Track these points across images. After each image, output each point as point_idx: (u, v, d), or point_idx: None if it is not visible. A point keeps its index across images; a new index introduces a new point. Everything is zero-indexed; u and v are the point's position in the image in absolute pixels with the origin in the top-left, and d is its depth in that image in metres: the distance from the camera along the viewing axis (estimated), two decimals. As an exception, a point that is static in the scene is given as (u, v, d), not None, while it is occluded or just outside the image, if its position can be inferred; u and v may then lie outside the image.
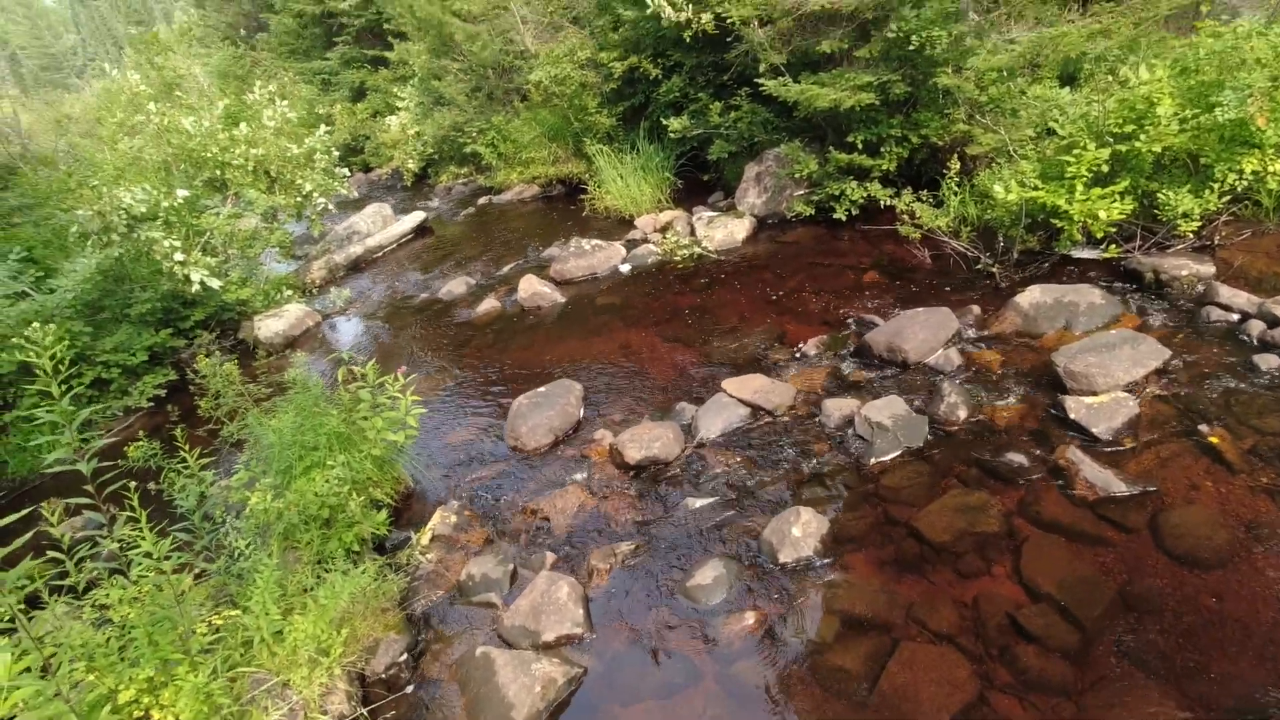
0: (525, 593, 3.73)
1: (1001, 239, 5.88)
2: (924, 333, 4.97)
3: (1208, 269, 5.06)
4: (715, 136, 8.40)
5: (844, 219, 7.14)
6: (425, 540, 4.30)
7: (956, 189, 6.29)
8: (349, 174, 10.76)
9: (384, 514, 4.27)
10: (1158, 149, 4.99)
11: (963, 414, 4.33)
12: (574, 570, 3.95)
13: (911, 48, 5.91)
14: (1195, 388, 4.15)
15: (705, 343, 6.00)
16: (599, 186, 9.90)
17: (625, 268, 7.89)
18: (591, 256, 8.02)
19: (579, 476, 4.72)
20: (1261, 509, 3.34)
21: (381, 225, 11.17)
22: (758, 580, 3.62)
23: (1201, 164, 5.10)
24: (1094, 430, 3.94)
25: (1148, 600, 3.08)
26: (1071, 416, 4.05)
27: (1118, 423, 3.94)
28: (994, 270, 5.78)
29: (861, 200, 6.97)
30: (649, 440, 4.65)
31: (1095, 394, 4.12)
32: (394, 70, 15.95)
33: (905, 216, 6.32)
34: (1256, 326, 4.45)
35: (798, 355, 5.46)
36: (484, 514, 4.59)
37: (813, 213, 7.51)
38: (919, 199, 6.36)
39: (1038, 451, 3.98)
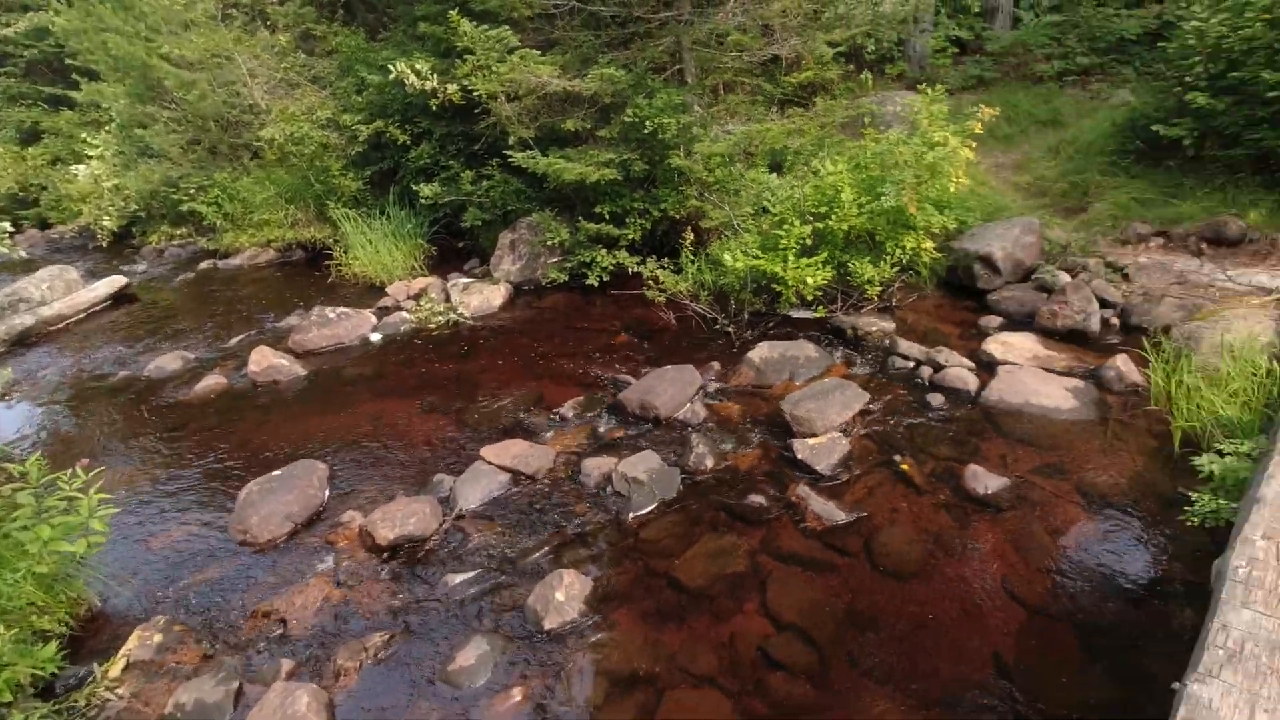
0: (254, 711, 3.15)
1: (734, 302, 6.55)
2: (672, 389, 5.29)
3: (890, 325, 6.09)
4: (469, 204, 8.40)
5: (596, 285, 7.47)
6: (116, 670, 3.49)
7: (693, 258, 6.92)
8: (10, 230, 8.91)
9: (53, 647, 3.39)
10: (845, 227, 5.97)
11: (710, 463, 4.65)
12: (318, 675, 3.45)
13: (646, 132, 6.49)
14: (889, 424, 4.91)
15: (463, 410, 5.80)
16: (346, 252, 9.31)
17: (376, 336, 7.42)
18: (338, 325, 7.43)
19: (323, 566, 4.21)
20: (942, 521, 3.99)
21: (63, 291, 9.34)
22: (524, 652, 3.46)
23: (877, 240, 6.19)
24: (817, 467, 4.45)
25: (868, 615, 3.47)
26: (799, 457, 4.54)
27: (834, 459, 4.50)
28: (730, 330, 6.40)
29: (611, 267, 7.37)
30: (403, 517, 4.30)
31: (816, 435, 4.68)
32: (82, 113, 13.74)
33: (651, 282, 6.79)
34: (926, 371, 5.42)
35: (556, 418, 5.49)
36: (201, 626, 3.86)
37: (566, 279, 7.76)
38: (662, 266, 6.88)
39: (774, 491, 4.38)
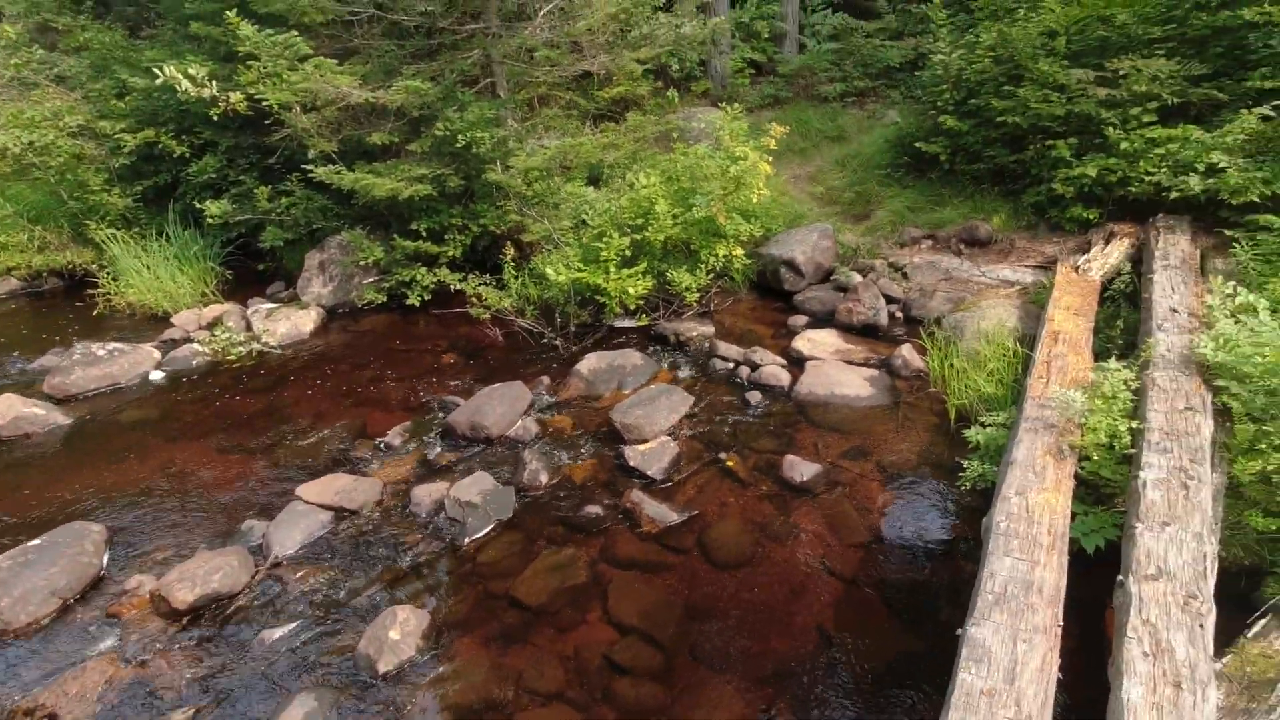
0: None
1: (560, 315, 6.57)
2: (502, 407, 5.20)
3: (709, 329, 6.42)
4: (267, 223, 7.70)
5: (418, 304, 7.16)
6: None
7: (516, 273, 6.86)
8: None
9: None
10: (662, 238, 6.21)
11: (545, 478, 4.62)
12: (100, 775, 2.98)
13: (460, 146, 6.34)
14: (713, 424, 5.17)
15: (275, 448, 5.30)
16: (116, 279, 8.15)
17: (160, 374, 6.57)
18: (110, 364, 6.48)
19: (106, 644, 3.65)
20: (765, 511, 4.27)
21: None
22: (358, 701, 3.21)
23: (692, 249, 6.51)
24: (649, 472, 4.58)
25: (705, 608, 3.62)
26: (631, 463, 4.64)
27: (665, 462, 4.65)
28: (557, 343, 6.41)
29: (433, 285, 7.10)
30: (206, 574, 3.84)
31: (646, 441, 4.82)
32: None
33: (474, 299, 6.63)
34: (745, 371, 5.77)
35: (382, 446, 5.19)
36: (-63, 742, 3.19)
37: (385, 300, 7.36)
38: (486, 283, 6.74)
39: (610, 500, 4.44)
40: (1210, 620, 2.51)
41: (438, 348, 6.74)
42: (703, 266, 6.33)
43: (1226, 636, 2.95)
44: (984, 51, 7.04)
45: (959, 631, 2.65)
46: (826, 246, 7.07)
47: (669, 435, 4.94)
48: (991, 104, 6.88)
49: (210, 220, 7.51)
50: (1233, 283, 4.63)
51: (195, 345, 6.94)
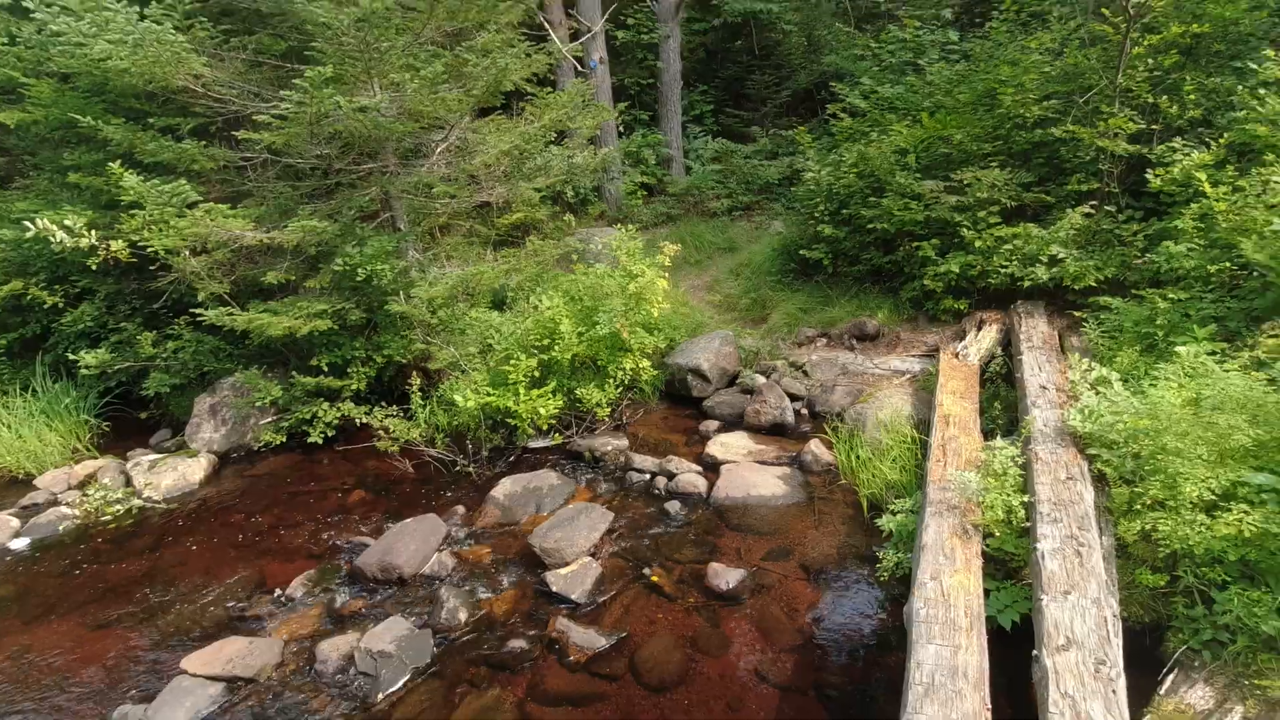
0: None
1: (471, 441, 6.44)
2: (415, 543, 4.95)
3: (624, 443, 6.44)
4: (152, 369, 7.30)
5: (320, 442, 6.85)
6: None
7: (424, 401, 6.73)
8: None
9: None
10: (569, 356, 6.31)
11: (464, 616, 4.36)
12: None
13: (360, 279, 6.34)
14: (635, 538, 5.09)
15: (156, 617, 4.78)
16: (-29, 443, 7.41)
17: (21, 543, 5.90)
18: (-41, 539, 5.78)
19: None
20: (695, 624, 4.17)
21: None
22: None
23: (600, 365, 6.62)
24: (573, 596, 4.41)
25: (642, 739, 3.43)
26: (554, 589, 4.47)
27: (588, 584, 4.50)
28: (471, 470, 6.24)
29: (337, 421, 6.84)
30: (67, 780, 3.33)
31: (567, 564, 4.67)
32: None
33: (382, 432, 6.43)
34: (662, 481, 5.78)
35: (283, 600, 4.79)
36: None
37: (284, 440, 7.01)
38: (393, 414, 6.57)
39: (534, 631, 4.23)
40: (1121, 684, 2.60)
41: (344, 486, 6.42)
42: (611, 381, 6.43)
43: (1143, 695, 3.06)
44: (848, 168, 7.82)
45: (895, 730, 2.62)
46: (729, 352, 7.36)
47: (591, 555, 4.82)
48: (861, 213, 7.58)
49: (85, 371, 7.04)
50: (1087, 359, 5.13)
51: (63, 508, 6.31)
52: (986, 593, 3.60)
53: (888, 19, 10.46)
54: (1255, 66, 5.92)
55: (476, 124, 7.57)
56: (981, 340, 6.44)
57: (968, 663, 2.80)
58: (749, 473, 5.62)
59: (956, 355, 6.28)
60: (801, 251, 8.38)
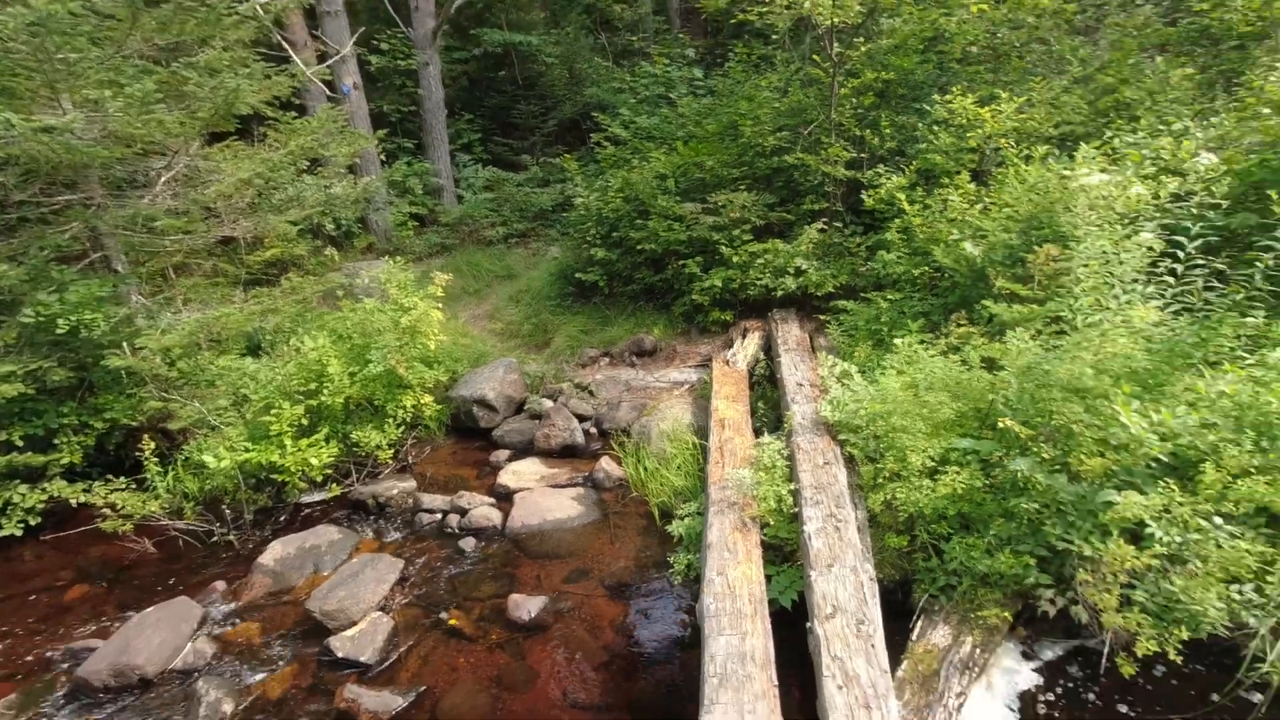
0: None
1: (230, 505, 5.68)
2: (160, 635, 4.21)
3: (410, 484, 6.07)
4: None
5: (20, 533, 5.59)
6: None
7: (164, 468, 5.80)
8: None
9: None
10: (341, 399, 5.81)
11: (229, 708, 3.78)
12: None
13: (62, 332, 5.32)
14: (430, 583, 4.80)
15: None
16: None
17: None
18: None
19: None
20: (499, 661, 4.01)
21: None
22: None
23: (377, 405, 6.19)
24: (363, 659, 4.03)
25: (450, 798, 3.20)
26: (340, 654, 4.05)
27: (380, 642, 4.14)
28: (231, 538, 5.49)
29: (42, 506, 5.63)
30: None
31: (355, 623, 4.26)
32: None
33: (108, 510, 5.41)
34: (454, 518, 5.52)
35: (-27, 740, 3.80)
36: None
37: (-32, 537, 5.62)
38: (121, 487, 5.56)
39: (319, 706, 3.79)
40: (879, 638, 2.94)
41: (59, 582, 5.29)
42: (392, 421, 6.04)
43: (902, 643, 3.48)
44: (614, 193, 8.19)
45: (696, 725, 2.71)
46: (514, 379, 7.29)
47: (381, 610, 4.45)
48: (630, 235, 7.95)
49: None
50: (833, 356, 5.81)
51: None
52: (769, 579, 3.90)
53: (641, 56, 11.21)
54: (928, 108, 7.19)
55: (208, 150, 6.76)
56: (747, 347, 7.03)
57: (754, 646, 2.99)
58: (543, 498, 5.57)
59: (727, 363, 6.79)
60: (578, 275, 8.58)
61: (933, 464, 4.00)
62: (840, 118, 7.47)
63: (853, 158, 7.39)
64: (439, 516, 5.60)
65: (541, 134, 14.43)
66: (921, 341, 5.15)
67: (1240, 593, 3.19)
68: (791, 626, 3.60)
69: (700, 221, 7.61)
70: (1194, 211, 4.47)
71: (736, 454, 4.86)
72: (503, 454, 6.55)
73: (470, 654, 4.11)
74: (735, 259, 7.35)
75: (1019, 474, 3.67)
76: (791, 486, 4.24)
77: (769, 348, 7.01)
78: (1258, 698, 3.27)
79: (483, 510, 5.48)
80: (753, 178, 8.01)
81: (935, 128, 6.97)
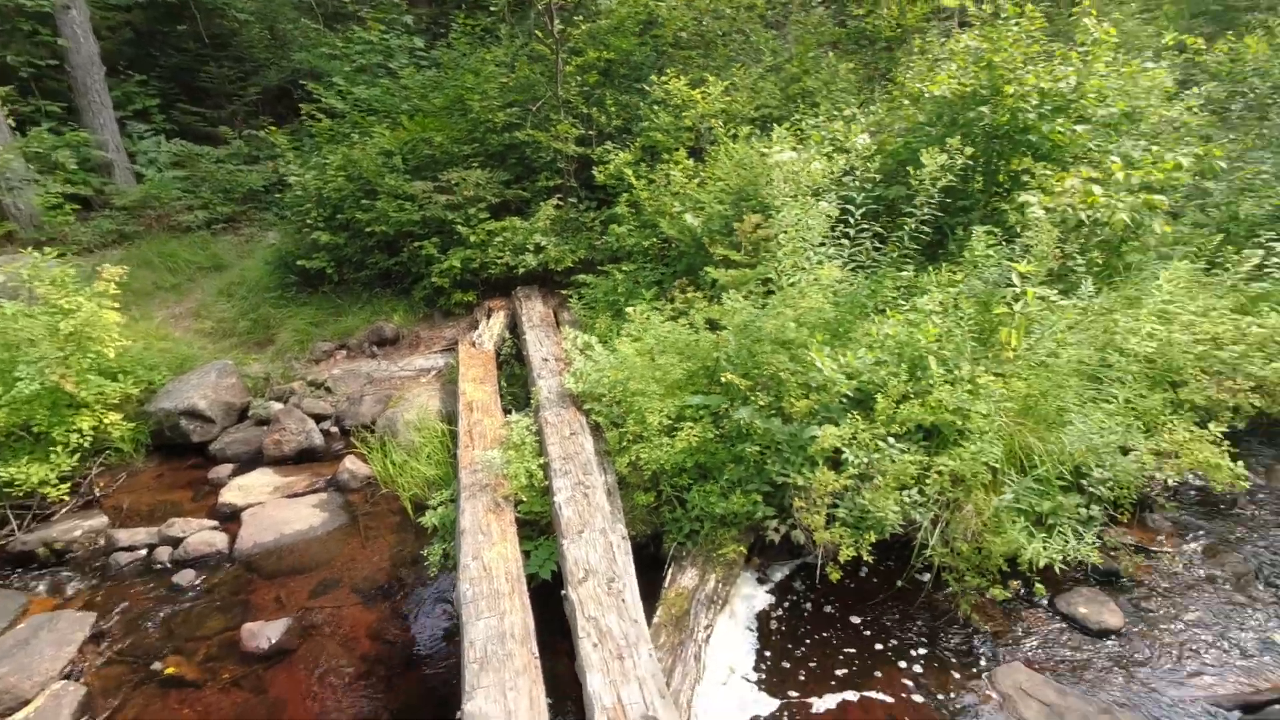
0: None
1: None
2: None
3: (100, 521, 5.06)
4: None
5: None
6: None
7: None
8: None
9: None
10: (-17, 428, 4.64)
11: None
12: None
13: None
14: (136, 632, 4.06)
15: None
16: None
17: None
18: None
19: None
20: (236, 700, 3.55)
21: None
22: None
23: (39, 432, 5.04)
24: (45, 742, 3.31)
25: None
26: (10, 745, 3.27)
27: (66, 717, 3.42)
28: None
29: None
30: None
31: (28, 702, 3.47)
32: None
33: None
34: (165, 552, 4.73)
35: None
36: None
37: None
38: None
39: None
40: (630, 593, 3.11)
41: None
42: (62, 449, 4.96)
43: (657, 592, 3.72)
44: (335, 171, 7.49)
45: (458, 715, 2.64)
46: (231, 383, 6.40)
47: (67, 678, 3.67)
48: (357, 216, 7.36)
49: None
50: (575, 329, 5.96)
51: None
52: (527, 554, 3.92)
53: (354, 20, 10.28)
54: (648, 88, 7.60)
55: None
56: (493, 327, 6.93)
57: (513, 624, 2.99)
58: (278, 510, 5.01)
59: (473, 344, 6.63)
60: (301, 262, 7.76)
61: (670, 422, 4.29)
62: (567, 95, 7.59)
63: (582, 135, 7.57)
64: (143, 553, 4.76)
65: (242, 103, 12.70)
66: (655, 309, 5.49)
67: (909, 496, 3.90)
68: (557, 597, 3.66)
69: (434, 201, 7.28)
70: (857, 184, 5.29)
71: (487, 435, 4.78)
72: (224, 469, 5.74)
73: (197, 701, 3.57)
74: (473, 238, 7.18)
75: (742, 422, 4.10)
76: (542, 461, 4.29)
77: (515, 326, 6.99)
78: (926, 576, 4.06)
79: (202, 536, 4.77)
80: (486, 154, 7.84)
81: (655, 107, 7.40)
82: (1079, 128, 5.45)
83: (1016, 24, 5.99)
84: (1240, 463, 4.18)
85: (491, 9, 8.82)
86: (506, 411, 5.35)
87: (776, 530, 4.05)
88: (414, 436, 5.43)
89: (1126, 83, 5.78)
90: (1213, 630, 3.76)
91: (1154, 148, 5.67)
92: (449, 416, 5.68)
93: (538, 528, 4.24)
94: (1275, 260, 5.99)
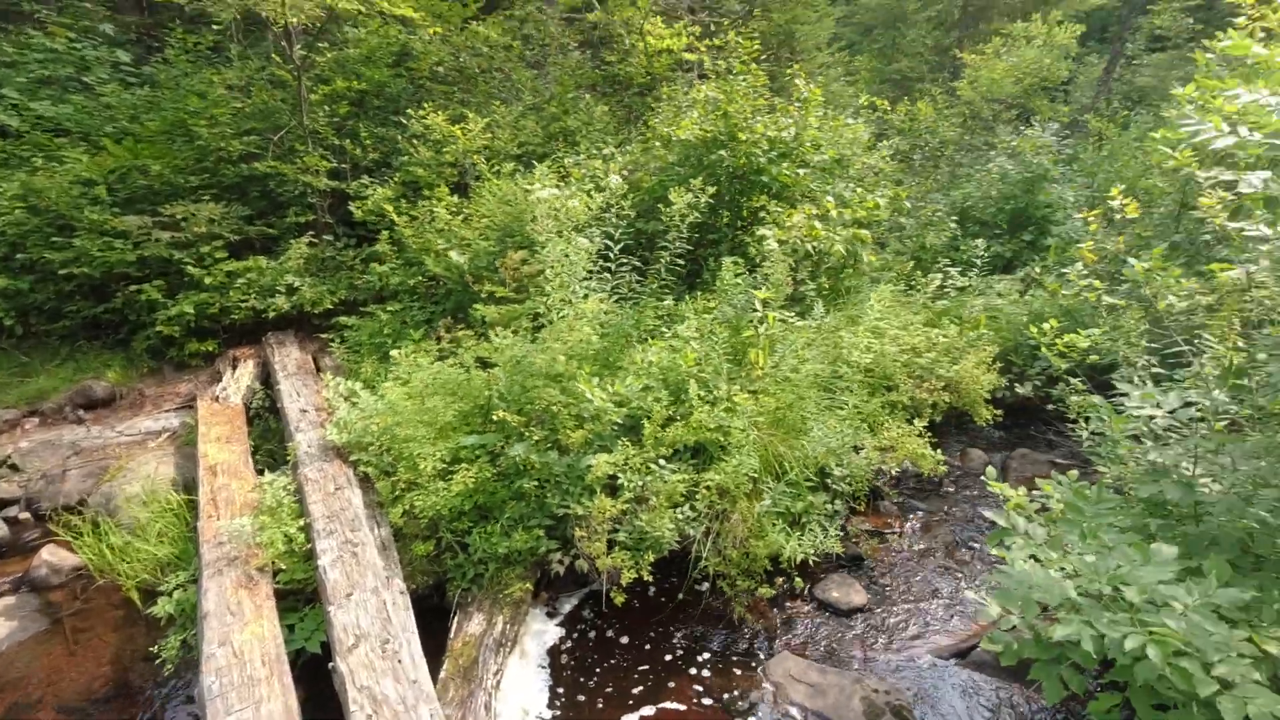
0: None
1: None
2: None
3: None
4: None
5: None
6: None
7: None
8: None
9: None
10: None
11: None
12: None
13: None
14: None
15: None
16: None
17: None
18: None
19: None
20: None
21: None
22: None
23: None
24: None
25: None
26: None
27: None
28: None
29: None
30: None
31: None
32: None
33: None
34: None
35: None
36: None
37: None
38: None
39: None
40: (409, 650, 2.91)
41: None
42: None
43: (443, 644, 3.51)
44: (10, 202, 6.20)
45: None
46: None
47: None
48: (46, 257, 6.16)
49: None
50: (339, 376, 5.52)
51: None
52: (291, 628, 3.51)
53: (31, 21, 8.61)
54: (405, 121, 7.36)
55: None
56: (240, 379, 6.18)
57: (273, 712, 2.64)
58: (-59, 629, 3.95)
59: (216, 399, 5.86)
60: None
61: (445, 466, 4.13)
62: (315, 125, 7.09)
63: (335, 168, 7.11)
64: None
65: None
66: (424, 349, 5.28)
67: (682, 513, 4.13)
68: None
69: (154, 238, 6.34)
70: (614, 221, 5.58)
71: (235, 501, 4.22)
72: None
73: None
74: (209, 280, 6.36)
75: (519, 458, 4.06)
76: (303, 522, 3.88)
77: (268, 376, 6.30)
78: (705, 586, 4.31)
79: None
80: (220, 186, 7.02)
81: (415, 141, 7.18)
82: (801, 171, 6.28)
83: (744, 79, 6.77)
84: (939, 450, 5.05)
85: (214, 24, 7.95)
86: (260, 472, 4.77)
87: (561, 562, 4.06)
88: (139, 513, 4.62)
89: (834, 135, 6.78)
90: (931, 594, 4.45)
91: (859, 189, 6.71)
92: (188, 484, 4.94)
93: (303, 596, 3.81)
94: (951, 282, 7.38)
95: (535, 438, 4.11)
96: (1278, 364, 2.59)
